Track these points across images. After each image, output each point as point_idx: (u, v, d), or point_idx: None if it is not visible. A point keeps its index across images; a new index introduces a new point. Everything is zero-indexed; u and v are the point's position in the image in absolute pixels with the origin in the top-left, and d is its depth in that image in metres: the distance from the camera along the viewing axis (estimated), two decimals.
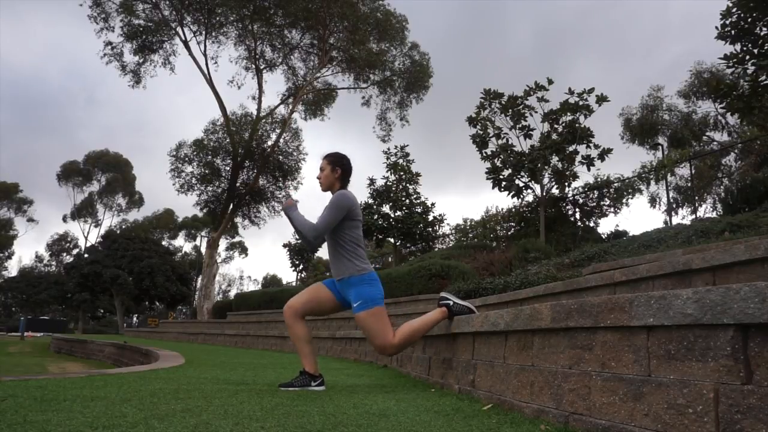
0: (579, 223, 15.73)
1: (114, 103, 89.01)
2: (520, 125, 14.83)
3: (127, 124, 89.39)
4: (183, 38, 23.39)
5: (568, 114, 14.25)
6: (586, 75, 74.75)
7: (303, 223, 3.05)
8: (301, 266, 30.55)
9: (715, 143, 24.26)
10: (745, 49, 9.60)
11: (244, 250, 60.45)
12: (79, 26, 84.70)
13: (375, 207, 19.51)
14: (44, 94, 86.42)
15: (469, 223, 24.57)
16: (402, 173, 19.90)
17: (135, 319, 51.04)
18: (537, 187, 14.53)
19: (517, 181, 14.70)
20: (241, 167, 23.44)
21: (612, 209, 15.63)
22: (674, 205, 24.35)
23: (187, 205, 75.77)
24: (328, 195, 3.18)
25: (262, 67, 24.49)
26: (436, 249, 19.75)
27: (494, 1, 76.40)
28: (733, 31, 9.57)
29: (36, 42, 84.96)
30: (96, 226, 53.98)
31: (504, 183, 14.74)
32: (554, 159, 14.23)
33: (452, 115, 74.73)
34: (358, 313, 3.01)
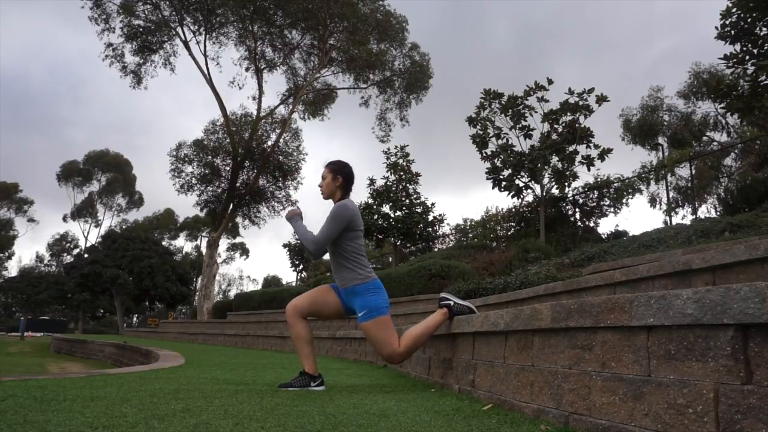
0: (579, 223, 15.72)
1: (103, 101, 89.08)
2: (520, 125, 14.82)
3: (117, 122, 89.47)
4: (183, 38, 23.42)
5: (568, 114, 14.25)
6: (568, 73, 75.15)
7: (305, 234, 3.06)
8: (301, 266, 30.51)
9: (715, 143, 24.27)
10: (744, 49, 9.59)
11: (245, 251, 60.51)
12: (62, 24, 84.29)
13: (375, 207, 19.50)
14: (29, 92, 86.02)
15: (469, 223, 24.57)
16: (402, 173, 19.89)
17: (135, 319, 51.08)
18: (537, 187, 14.53)
19: (517, 181, 14.69)
20: (241, 167, 23.44)
21: (612, 209, 15.64)
22: (674, 205, 24.35)
23: (186, 205, 75.71)
24: (329, 202, 3.19)
25: (262, 68, 24.50)
26: (436, 249, 19.75)
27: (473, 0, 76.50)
28: (732, 31, 9.56)
29: (17, 40, 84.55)
30: (96, 226, 54.06)
31: (504, 183, 14.74)
32: (554, 159, 14.22)
33: (438, 114, 74.98)
34: (363, 323, 3.00)
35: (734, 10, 9.46)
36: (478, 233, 21.54)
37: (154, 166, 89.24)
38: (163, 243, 50.39)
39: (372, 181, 20.19)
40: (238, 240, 55.97)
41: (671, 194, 24.17)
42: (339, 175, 3.16)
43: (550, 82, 14.29)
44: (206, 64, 23.43)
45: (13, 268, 59.41)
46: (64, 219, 54.02)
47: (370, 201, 19.72)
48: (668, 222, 18.79)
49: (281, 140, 23.91)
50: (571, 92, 14.09)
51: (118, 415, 1.87)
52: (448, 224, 23.09)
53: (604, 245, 9.81)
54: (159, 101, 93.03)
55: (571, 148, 14.08)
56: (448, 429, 1.75)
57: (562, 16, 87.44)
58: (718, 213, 14.30)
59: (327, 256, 3.26)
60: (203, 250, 33.14)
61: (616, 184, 15.80)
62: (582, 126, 14.06)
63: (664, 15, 75.31)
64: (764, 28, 9.40)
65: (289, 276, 70.16)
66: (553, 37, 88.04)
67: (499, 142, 14.93)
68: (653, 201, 24.94)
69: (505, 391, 2.17)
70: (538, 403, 1.90)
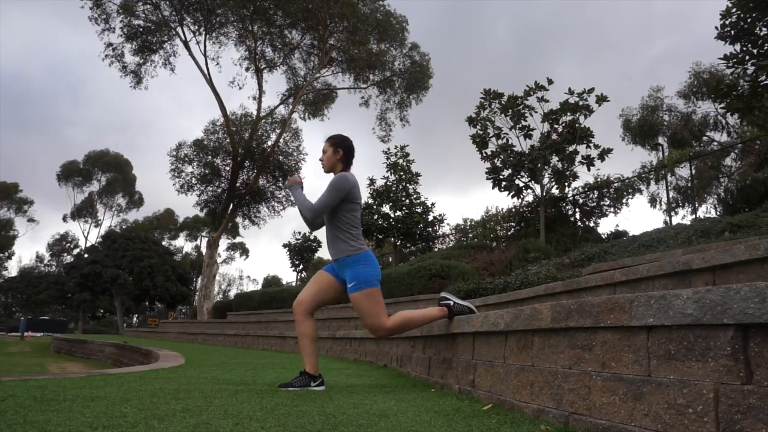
0: (579, 223, 15.72)
1: (102, 101, 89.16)
2: (520, 125, 14.82)
3: (117, 122, 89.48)
4: (183, 38, 23.41)
5: (568, 114, 14.26)
6: (568, 73, 75.31)
7: (303, 202, 3.14)
8: (301, 266, 30.44)
9: (715, 143, 24.26)
10: (744, 49, 9.59)
11: (245, 251, 60.54)
12: (61, 24, 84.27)
13: (375, 207, 19.49)
14: (28, 92, 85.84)
15: (469, 223, 24.57)
16: (402, 173, 19.89)
17: (135, 319, 51.08)
18: (537, 187, 14.53)
19: (517, 181, 14.69)
20: (241, 167, 23.45)
21: (612, 209, 15.63)
22: (674, 205, 24.34)
23: (186, 205, 75.72)
24: (330, 177, 3.21)
25: (262, 68, 24.50)
26: (436, 249, 19.74)
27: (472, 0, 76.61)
28: (732, 31, 9.56)
29: (16, 40, 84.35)
30: (96, 226, 54.07)
31: (504, 183, 14.74)
32: (554, 159, 14.22)
33: (438, 114, 75.01)
34: (353, 294, 3.02)
35: (734, 10, 9.46)
36: (478, 233, 21.53)
37: (154, 166, 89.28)
38: (163, 243, 50.40)
39: (372, 181, 20.19)
40: (238, 240, 56.01)
41: (671, 194, 24.17)
42: (339, 148, 3.20)
43: (550, 82, 14.29)
44: (206, 64, 23.46)
45: (13, 268, 59.50)
46: (64, 219, 54.09)
47: (370, 201, 19.73)
48: (668, 222, 18.79)
49: (281, 140, 23.93)
50: (571, 92, 14.09)
51: (118, 415, 1.87)
52: (448, 224, 23.09)
53: (604, 245, 9.80)
54: (159, 101, 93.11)
55: (571, 148, 14.08)
56: (448, 429, 1.75)
57: (562, 16, 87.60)
58: (718, 213, 14.29)
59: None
60: (203, 250, 33.11)
61: (616, 184, 15.79)
62: (582, 126, 14.06)
63: (663, 15, 75.55)
64: (764, 28, 9.40)
65: (289, 276, 70.15)
66: (553, 37, 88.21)
67: (499, 142, 14.93)
68: (653, 201, 24.95)
69: (505, 391, 2.17)
70: (538, 403, 1.90)
